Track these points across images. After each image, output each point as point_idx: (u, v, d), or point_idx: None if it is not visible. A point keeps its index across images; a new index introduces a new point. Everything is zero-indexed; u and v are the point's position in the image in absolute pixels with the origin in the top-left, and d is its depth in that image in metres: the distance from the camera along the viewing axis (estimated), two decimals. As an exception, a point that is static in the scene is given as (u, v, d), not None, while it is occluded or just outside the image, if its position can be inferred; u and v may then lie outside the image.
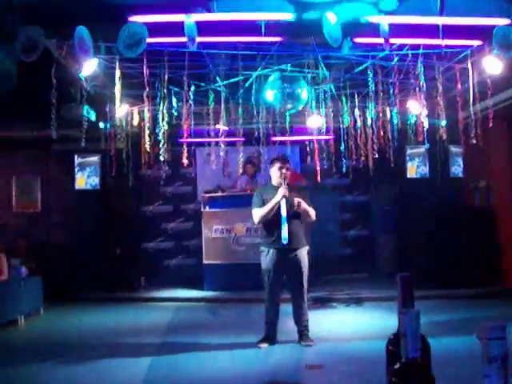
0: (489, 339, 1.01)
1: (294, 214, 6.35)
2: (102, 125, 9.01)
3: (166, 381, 5.25)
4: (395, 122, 8.49)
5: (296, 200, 6.25)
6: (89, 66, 6.18)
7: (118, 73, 6.64)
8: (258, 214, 6.41)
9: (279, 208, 6.28)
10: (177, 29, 5.55)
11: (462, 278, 9.36)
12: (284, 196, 6.24)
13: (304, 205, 6.31)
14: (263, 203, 6.39)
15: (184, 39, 5.63)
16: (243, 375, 5.36)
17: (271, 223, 6.37)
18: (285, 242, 6.24)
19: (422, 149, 9.72)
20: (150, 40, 5.66)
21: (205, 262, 10.59)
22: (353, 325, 7.59)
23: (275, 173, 6.51)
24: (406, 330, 1.12)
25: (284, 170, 6.44)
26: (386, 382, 1.17)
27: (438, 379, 1.31)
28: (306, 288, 6.42)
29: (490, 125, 6.94)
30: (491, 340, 1.01)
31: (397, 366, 1.20)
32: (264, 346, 6.32)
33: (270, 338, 6.43)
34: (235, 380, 5.22)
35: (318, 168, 8.82)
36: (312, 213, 6.42)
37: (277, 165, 6.52)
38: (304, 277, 6.35)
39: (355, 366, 5.36)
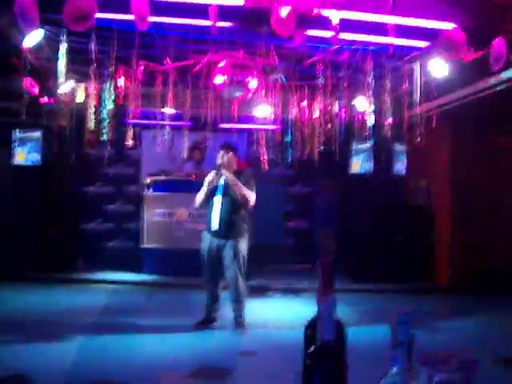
0: (398, 324, 1.04)
1: (230, 202, 6.40)
2: (44, 99, 8.73)
3: (97, 363, 5.17)
4: (342, 116, 8.60)
5: (230, 177, 6.31)
6: (33, 37, 5.96)
7: (63, 46, 6.45)
8: (196, 198, 6.57)
9: (215, 193, 6.40)
10: (128, 6, 5.42)
11: (397, 273, 9.62)
12: (210, 182, 6.39)
13: (239, 186, 6.36)
14: None
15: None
16: (175, 359, 5.35)
17: (207, 208, 6.51)
18: (214, 228, 6.35)
19: (367, 145, 9.88)
20: (99, 15, 5.52)
21: (144, 245, 10.47)
22: (288, 314, 7.68)
23: (218, 159, 6.55)
24: (322, 315, 1.13)
25: (221, 157, 6.52)
26: (302, 365, 1.18)
27: (352, 363, 1.34)
28: (239, 276, 6.43)
29: (433, 125, 7.13)
30: (398, 325, 1.04)
31: (311, 348, 1.22)
32: (200, 327, 6.41)
33: (207, 321, 6.50)
34: (166, 363, 5.20)
35: (264, 157, 8.84)
36: (249, 196, 6.44)
37: (220, 151, 6.63)
38: (235, 265, 6.37)
39: (287, 353, 5.40)
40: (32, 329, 6.35)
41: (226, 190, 6.41)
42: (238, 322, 6.42)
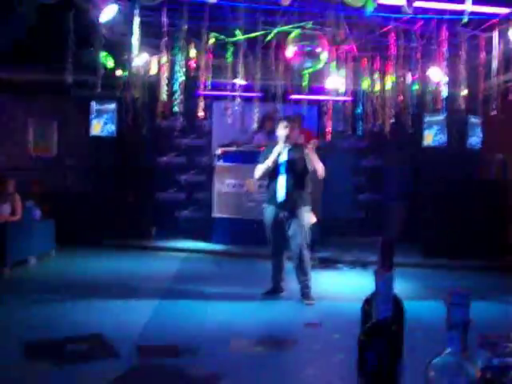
0: (452, 305, 1.04)
1: (295, 173, 6.40)
2: (119, 72, 8.98)
3: (168, 327, 5.39)
4: (415, 87, 8.37)
5: (305, 150, 6.29)
6: (108, 13, 6.14)
7: (136, 20, 6.59)
8: (257, 169, 6.62)
9: (279, 165, 6.37)
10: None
11: (470, 249, 9.36)
12: (278, 153, 6.35)
13: (312, 157, 6.32)
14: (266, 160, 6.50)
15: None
16: (242, 327, 5.49)
17: (270, 180, 6.55)
18: (280, 199, 6.38)
19: (440, 117, 9.59)
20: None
21: (215, 215, 10.68)
22: (355, 287, 7.66)
23: (278, 131, 6.53)
24: (379, 292, 1.15)
25: (285, 129, 6.47)
26: (358, 341, 1.21)
27: (410, 341, 1.35)
28: (304, 248, 6.44)
29: (511, 97, 6.82)
30: (454, 306, 1.04)
31: (367, 325, 1.24)
32: (267, 297, 6.56)
33: (274, 290, 6.64)
34: (233, 331, 5.34)
35: (330, 129, 8.77)
36: (319, 168, 6.40)
37: (281, 123, 6.57)
38: (299, 237, 6.39)
39: (352, 326, 5.42)
40: (107, 292, 6.68)
41: (291, 162, 6.40)
42: (305, 293, 6.48)
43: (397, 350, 1.24)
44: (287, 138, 6.41)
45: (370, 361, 1.21)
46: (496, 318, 5.87)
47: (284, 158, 6.44)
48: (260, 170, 6.56)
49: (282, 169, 6.43)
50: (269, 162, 6.44)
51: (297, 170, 6.41)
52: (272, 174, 6.49)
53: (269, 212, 6.54)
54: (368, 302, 1.40)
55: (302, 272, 6.48)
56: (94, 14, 6.43)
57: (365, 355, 1.22)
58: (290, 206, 6.40)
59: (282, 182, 6.41)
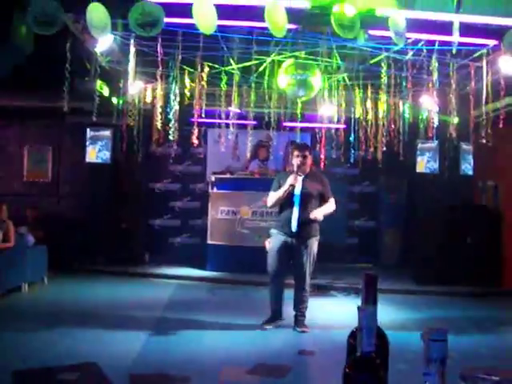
0: (430, 341, 1.07)
1: (309, 203, 6.37)
2: (114, 100, 9.07)
3: (160, 356, 5.36)
4: (406, 115, 8.48)
5: (312, 215, 6.28)
6: (104, 42, 6.23)
7: (132, 50, 6.69)
8: (270, 197, 6.58)
9: (293, 194, 6.35)
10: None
11: (463, 276, 9.38)
12: (292, 185, 6.31)
13: (320, 213, 6.33)
14: (279, 188, 6.45)
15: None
16: (235, 354, 5.48)
17: (283, 208, 6.49)
18: (293, 229, 6.34)
19: (433, 144, 9.68)
20: (165, 19, 5.69)
21: (209, 242, 10.69)
22: (349, 314, 7.60)
23: (292, 160, 6.55)
24: (362, 326, 1.18)
25: (299, 158, 6.43)
26: (343, 374, 1.23)
27: (392, 373, 1.37)
28: (309, 277, 6.47)
29: (501, 125, 6.92)
30: (432, 342, 1.07)
31: (352, 358, 1.27)
32: (268, 327, 6.45)
33: (274, 318, 6.54)
34: (227, 359, 5.32)
35: (323, 156, 8.86)
36: (330, 210, 6.44)
37: (294, 152, 6.55)
38: (307, 266, 6.39)
39: (345, 355, 5.43)
40: (100, 321, 6.65)
41: (305, 193, 6.36)
42: (300, 321, 6.45)
43: (381, 382, 1.26)
44: (299, 167, 6.39)
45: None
46: (484, 347, 5.88)
47: (298, 187, 6.38)
48: (273, 198, 6.51)
49: (296, 199, 6.37)
50: (282, 192, 6.38)
51: (310, 201, 6.38)
52: (285, 202, 6.43)
53: (278, 239, 6.46)
54: (353, 335, 1.43)
55: (301, 300, 6.47)
56: (91, 44, 6.53)
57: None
58: (303, 236, 6.38)
59: (295, 211, 6.35)
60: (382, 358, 1.26)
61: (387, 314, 6.87)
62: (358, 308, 1.26)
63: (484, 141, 7.08)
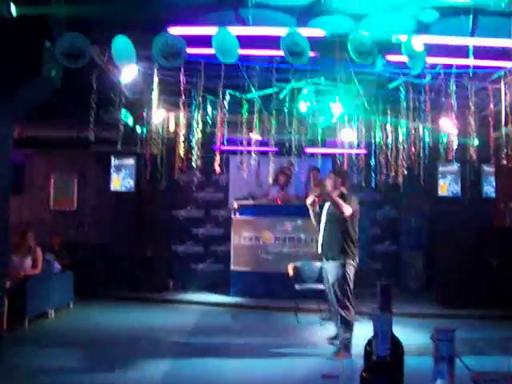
0: (439, 340, 1.14)
1: (330, 223, 6.46)
2: (138, 129, 9.28)
3: (184, 380, 5.40)
4: (426, 139, 8.52)
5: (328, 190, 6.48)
6: (129, 73, 6.42)
7: (156, 80, 6.89)
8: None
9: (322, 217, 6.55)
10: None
11: (487, 299, 9.27)
12: (310, 204, 6.50)
13: (334, 196, 6.36)
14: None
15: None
16: (258, 380, 5.49)
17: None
18: (319, 249, 6.55)
19: (454, 167, 9.70)
20: (188, 50, 5.86)
21: (232, 268, 10.75)
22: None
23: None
24: (378, 332, 1.25)
25: (327, 180, 6.67)
26: (360, 378, 1.30)
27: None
28: (339, 299, 6.34)
29: (521, 146, 6.94)
30: (441, 342, 1.13)
31: (368, 363, 1.34)
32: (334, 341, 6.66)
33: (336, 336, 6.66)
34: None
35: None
36: (343, 207, 6.25)
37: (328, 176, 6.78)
38: (335, 288, 6.34)
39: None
40: (125, 346, 6.73)
41: (329, 214, 6.50)
42: (339, 347, 6.38)
43: None
44: (315, 187, 6.60)
45: (371, 394, 1.30)
46: (505, 367, 5.80)
47: (325, 210, 6.56)
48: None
49: (323, 221, 6.57)
50: (311, 217, 6.66)
51: (334, 221, 6.42)
52: (318, 225, 6.64)
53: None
54: (370, 343, 1.50)
55: (337, 325, 6.52)
56: (116, 75, 6.74)
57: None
58: (326, 257, 6.47)
59: (321, 232, 6.56)
60: (396, 362, 1.33)
61: (412, 338, 6.82)
62: (372, 315, 1.33)
63: (505, 162, 7.07)
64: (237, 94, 7.94)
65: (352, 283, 6.41)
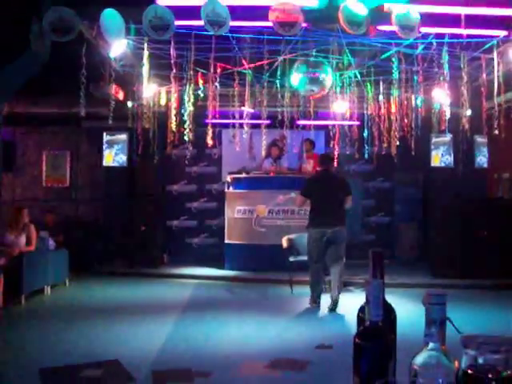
0: (430, 304, 1.16)
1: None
2: (129, 104, 9.21)
3: (181, 352, 5.46)
4: (419, 109, 8.50)
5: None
6: (118, 47, 6.35)
7: (146, 53, 6.81)
8: None
9: None
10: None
11: (477, 269, 9.36)
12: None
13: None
14: None
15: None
16: (253, 350, 5.56)
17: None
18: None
19: (447, 138, 9.70)
20: (177, 22, 5.80)
21: (226, 241, 10.79)
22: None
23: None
24: (370, 298, 1.26)
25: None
26: (353, 344, 1.32)
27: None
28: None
29: (513, 116, 6.94)
30: (432, 305, 1.15)
31: (360, 328, 1.35)
32: (313, 305, 7.31)
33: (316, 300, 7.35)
34: (244, 354, 5.40)
35: (336, 153, 8.90)
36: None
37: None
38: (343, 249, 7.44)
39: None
40: (121, 319, 6.78)
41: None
42: (336, 302, 7.11)
43: (388, 350, 1.34)
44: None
45: (363, 362, 1.31)
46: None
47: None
48: None
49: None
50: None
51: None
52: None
53: (313, 232, 7.49)
54: (362, 309, 1.52)
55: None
56: (105, 49, 6.66)
57: (359, 357, 1.33)
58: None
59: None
60: (389, 327, 1.34)
61: (405, 306, 6.90)
62: (365, 282, 1.34)
63: (497, 132, 7.08)
64: (228, 66, 7.87)
65: None
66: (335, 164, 8.90)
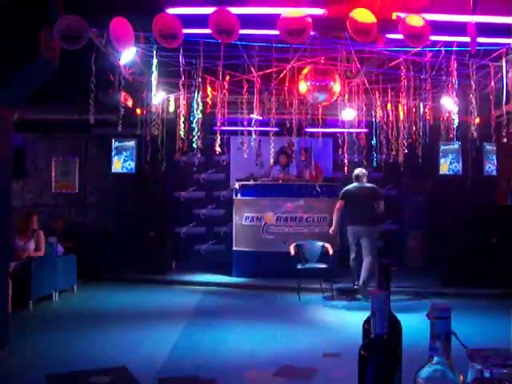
0: (435, 318, 1.16)
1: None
2: (138, 111, 9.25)
3: (188, 359, 5.47)
4: (427, 117, 8.48)
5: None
6: (127, 55, 6.38)
7: (155, 61, 6.84)
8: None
9: None
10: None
11: (488, 277, 9.30)
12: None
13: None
14: None
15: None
16: (260, 358, 5.57)
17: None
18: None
19: (455, 145, 9.67)
20: (186, 31, 5.82)
21: (234, 248, 10.80)
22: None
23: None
24: (375, 310, 1.27)
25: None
26: (358, 356, 1.32)
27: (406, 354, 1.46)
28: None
29: (523, 124, 6.91)
30: (436, 319, 1.15)
31: (366, 340, 1.35)
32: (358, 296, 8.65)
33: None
34: (251, 362, 5.41)
35: (346, 161, 8.89)
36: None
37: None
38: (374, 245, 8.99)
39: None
40: (129, 326, 6.81)
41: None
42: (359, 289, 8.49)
43: (394, 363, 1.34)
44: None
45: (369, 374, 1.32)
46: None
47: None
48: None
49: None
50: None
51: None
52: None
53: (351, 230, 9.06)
54: (368, 321, 1.52)
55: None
56: (114, 56, 6.70)
57: (364, 369, 1.33)
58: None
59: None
60: (394, 339, 1.35)
61: (411, 316, 6.86)
62: (371, 293, 1.34)
63: (505, 140, 7.05)
64: (237, 74, 7.89)
65: None
66: (364, 179, 9.05)
